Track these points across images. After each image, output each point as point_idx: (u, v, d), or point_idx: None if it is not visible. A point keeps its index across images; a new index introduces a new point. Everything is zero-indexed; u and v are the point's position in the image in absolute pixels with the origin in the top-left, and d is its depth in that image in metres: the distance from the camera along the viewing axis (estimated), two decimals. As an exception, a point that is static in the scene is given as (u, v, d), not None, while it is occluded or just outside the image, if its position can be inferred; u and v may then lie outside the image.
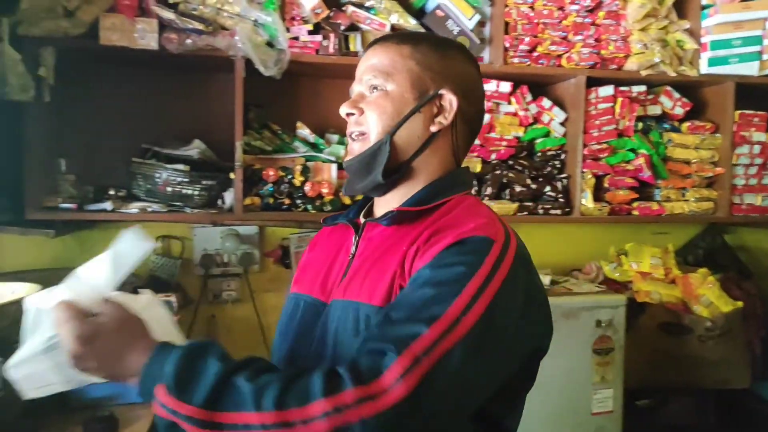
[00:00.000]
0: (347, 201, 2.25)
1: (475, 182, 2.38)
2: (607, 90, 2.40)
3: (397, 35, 1.13)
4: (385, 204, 1.11)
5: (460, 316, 0.86)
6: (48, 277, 1.94)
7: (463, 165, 1.16)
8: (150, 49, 2.00)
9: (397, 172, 1.07)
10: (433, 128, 1.08)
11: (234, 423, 0.82)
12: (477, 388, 0.91)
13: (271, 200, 2.22)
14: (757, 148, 2.55)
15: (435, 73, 1.07)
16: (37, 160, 2.02)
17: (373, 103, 1.06)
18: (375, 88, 1.07)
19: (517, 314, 0.94)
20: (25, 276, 1.87)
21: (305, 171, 2.25)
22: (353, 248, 1.10)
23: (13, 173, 1.98)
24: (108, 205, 2.05)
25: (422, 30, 2.30)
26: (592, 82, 2.40)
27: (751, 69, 2.46)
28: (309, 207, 2.24)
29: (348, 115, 1.09)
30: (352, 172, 1.10)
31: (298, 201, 2.24)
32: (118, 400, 1.42)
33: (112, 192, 2.12)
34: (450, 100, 1.07)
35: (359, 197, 1.23)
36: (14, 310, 1.24)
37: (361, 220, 1.15)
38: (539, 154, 2.45)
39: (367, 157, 1.06)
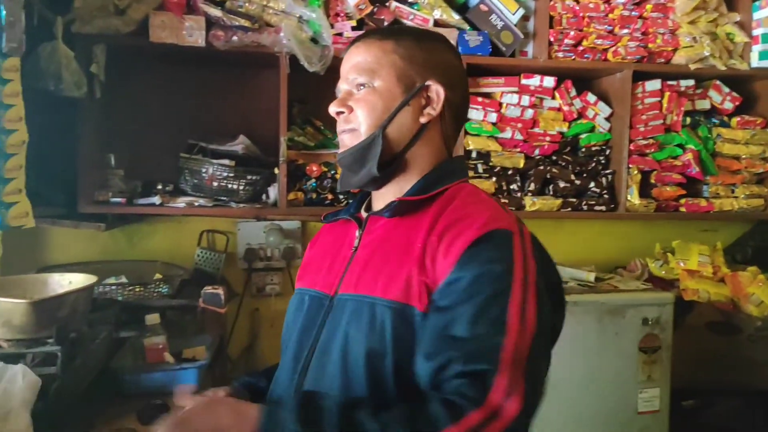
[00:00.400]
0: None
1: (518, 178, 2.37)
2: (655, 84, 2.36)
3: (379, 31, 1.15)
4: (381, 198, 1.13)
5: (523, 315, 0.91)
6: (99, 269, 2.00)
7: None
8: (197, 46, 2.03)
9: (391, 164, 1.08)
10: (423, 119, 1.10)
11: None
12: (545, 376, 0.97)
13: (314, 195, 2.23)
14: (809, 143, 2.48)
15: (419, 65, 1.09)
16: (89, 156, 2.07)
17: (362, 100, 1.07)
18: (362, 85, 1.08)
19: (548, 297, 0.98)
20: (77, 268, 1.93)
21: (348, 166, 2.26)
22: (356, 242, 1.10)
23: (68, 168, 2.04)
24: (156, 200, 2.09)
25: (465, 25, 2.30)
26: (639, 77, 2.36)
27: (804, 62, 2.39)
28: (351, 202, 2.24)
29: (338, 113, 1.10)
30: (346, 166, 1.11)
31: (341, 196, 2.25)
32: (168, 389, 1.45)
33: (160, 186, 2.16)
34: (437, 91, 1.09)
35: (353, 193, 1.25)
36: (73, 300, 1.27)
37: (363, 214, 1.16)
38: (583, 149, 2.42)
39: (360, 151, 1.07)
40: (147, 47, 2.04)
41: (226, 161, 2.13)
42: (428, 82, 1.09)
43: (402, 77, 1.08)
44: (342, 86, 1.13)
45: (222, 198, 2.16)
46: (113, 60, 2.01)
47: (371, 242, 1.08)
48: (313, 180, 2.23)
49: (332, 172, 2.24)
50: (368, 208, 1.18)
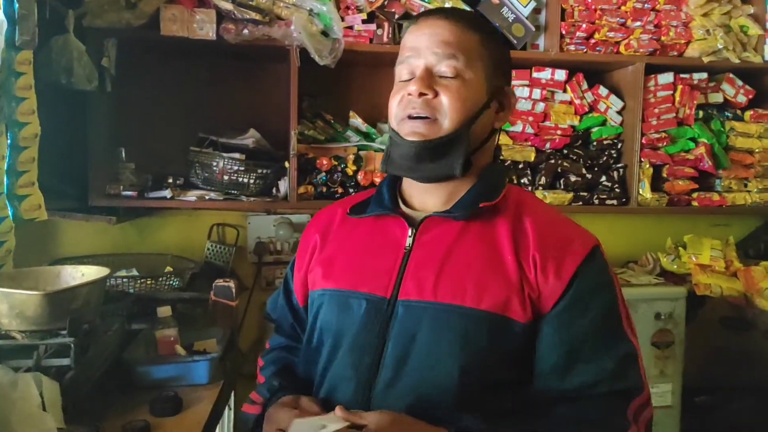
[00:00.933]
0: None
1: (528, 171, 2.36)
2: (667, 77, 2.34)
3: (463, 15, 1.07)
4: (425, 194, 1.07)
5: (630, 323, 1.01)
6: (110, 261, 2.01)
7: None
8: (208, 39, 2.03)
9: (466, 166, 1.02)
10: (497, 124, 1.08)
11: None
12: None
13: (324, 189, 2.23)
14: (823, 137, 2.46)
15: (502, 70, 1.08)
16: (100, 149, 2.08)
17: (454, 90, 1.00)
18: (451, 71, 1.00)
19: None
20: (89, 260, 1.94)
21: (358, 160, 2.26)
22: (409, 242, 1.04)
23: (79, 162, 2.04)
24: (167, 193, 2.10)
25: (476, 18, 2.28)
26: (651, 70, 2.34)
27: (819, 55, 2.36)
28: (377, 194, 2.24)
29: (420, 95, 1.00)
30: (414, 155, 1.01)
31: (351, 190, 2.25)
32: (182, 382, 1.45)
33: (170, 180, 2.16)
34: (510, 99, 1.09)
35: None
36: (86, 292, 1.27)
37: (407, 210, 1.09)
38: (595, 143, 2.40)
39: (442, 145, 1.00)
40: (158, 41, 2.04)
41: (236, 155, 2.13)
42: (507, 88, 1.09)
43: (489, 76, 1.04)
44: (415, 61, 1.03)
45: (232, 192, 2.16)
46: (124, 53, 2.01)
47: (431, 244, 1.03)
48: (323, 174, 2.23)
49: (342, 165, 2.23)
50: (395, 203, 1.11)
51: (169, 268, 2.03)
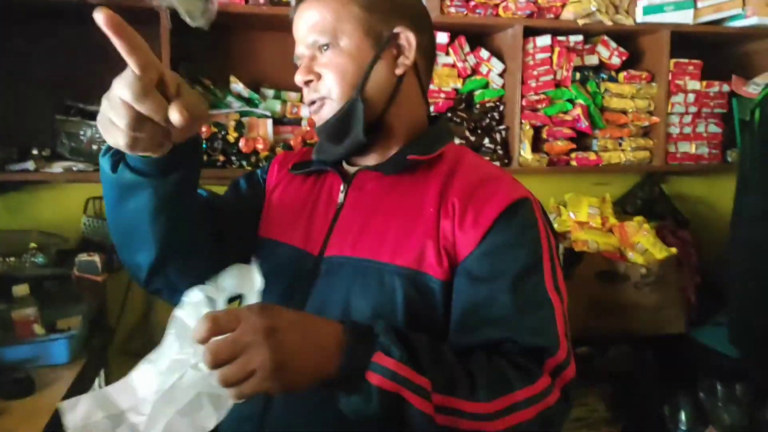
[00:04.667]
0: (283, 157, 2.21)
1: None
2: (545, 40, 2.39)
3: None
4: (363, 160, 1.07)
5: (556, 283, 0.95)
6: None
7: None
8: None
9: (376, 127, 1.02)
10: (398, 71, 1.03)
11: (449, 406, 0.82)
12: None
13: (204, 157, 2.16)
14: (691, 97, 2.58)
15: (383, 12, 1.01)
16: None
17: (330, 65, 0.99)
18: (325, 46, 0.99)
19: None
20: (-58, 240, 1.81)
21: (239, 127, 2.19)
22: (340, 197, 1.04)
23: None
24: (30, 165, 1.96)
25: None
26: (530, 32, 2.38)
27: (685, 17, 2.46)
28: (244, 163, 2.19)
29: (306, 83, 1.01)
30: (327, 137, 1.03)
31: (233, 157, 2.19)
32: (35, 363, 1.39)
33: (35, 151, 2.03)
34: (407, 37, 1.02)
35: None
36: None
37: (345, 166, 1.10)
38: (478, 105, 2.43)
39: (340, 120, 1.00)
40: (14, 1, 1.89)
41: (106, 123, 2.02)
42: (396, 29, 1.01)
43: (368, 30, 0.99)
44: (300, 50, 1.04)
45: (104, 162, 2.05)
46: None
47: (362, 199, 1.03)
48: (203, 141, 2.15)
49: (223, 132, 2.16)
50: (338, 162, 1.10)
51: (33, 245, 1.92)
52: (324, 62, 1.00)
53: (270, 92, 2.35)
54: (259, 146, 2.18)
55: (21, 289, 1.53)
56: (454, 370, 0.84)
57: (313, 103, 1.03)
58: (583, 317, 2.41)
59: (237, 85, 2.29)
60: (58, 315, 1.59)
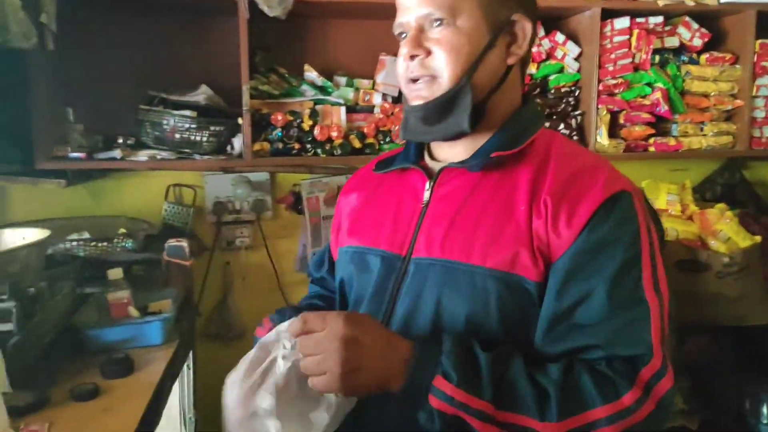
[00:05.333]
0: (357, 145, 2.23)
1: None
2: (623, 22, 2.32)
3: None
4: (448, 148, 1.03)
5: (656, 285, 0.88)
6: (61, 225, 1.97)
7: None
8: (152, -9, 1.95)
9: (478, 115, 0.96)
10: (510, 61, 0.97)
11: (516, 424, 0.82)
12: None
13: (280, 145, 2.19)
14: (777, 79, 2.47)
15: None
16: (44, 110, 2.01)
17: (445, 42, 0.93)
18: (438, 21, 0.93)
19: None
20: (38, 225, 1.88)
21: (314, 114, 2.22)
22: (426, 195, 1.01)
23: (22, 123, 1.97)
24: (117, 153, 2.04)
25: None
26: (607, 14, 2.31)
27: (773, -5, 2.36)
28: (318, 151, 2.21)
29: (411, 57, 0.96)
30: (422, 117, 0.98)
31: (308, 145, 2.22)
32: (135, 343, 1.43)
33: (120, 140, 2.10)
34: (523, 26, 0.97)
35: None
36: (24, 255, 1.24)
37: (430, 163, 1.06)
38: (553, 91, 2.38)
39: (444, 103, 0.95)
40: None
41: (187, 112, 2.07)
42: (515, 17, 0.96)
43: (487, 12, 0.94)
44: (406, 19, 0.97)
45: (185, 150, 2.11)
46: (67, 10, 1.92)
47: (448, 197, 0.99)
48: (279, 129, 2.18)
49: (298, 120, 2.19)
50: (419, 156, 1.08)
51: (122, 230, 1.99)
52: (436, 38, 0.95)
53: (343, 80, 2.36)
54: (333, 134, 2.20)
55: (115, 273, 1.59)
56: (523, 387, 0.83)
57: (415, 80, 0.97)
58: (661, 307, 2.35)
59: (311, 74, 2.31)
60: (150, 298, 1.65)
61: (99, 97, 2.22)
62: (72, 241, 1.80)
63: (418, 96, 0.98)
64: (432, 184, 1.01)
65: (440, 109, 0.96)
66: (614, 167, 0.97)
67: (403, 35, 0.99)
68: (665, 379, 0.84)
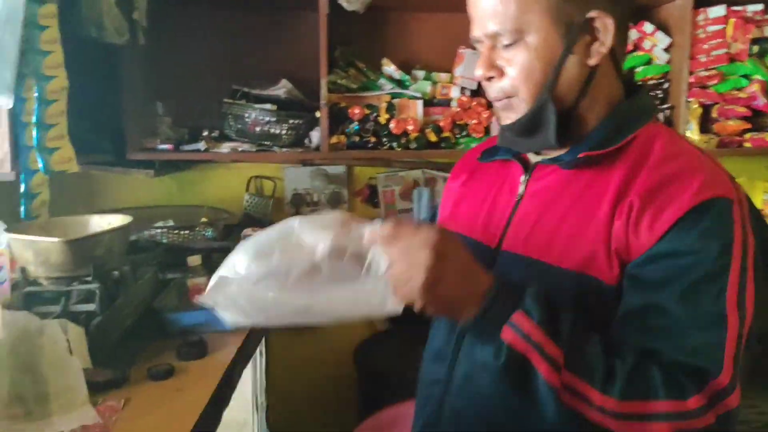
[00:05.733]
0: (433, 138, 2.22)
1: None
2: (718, 11, 2.19)
3: None
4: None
5: (741, 303, 0.82)
6: (148, 213, 2.06)
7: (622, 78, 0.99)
8: (236, -12, 2.01)
9: (567, 121, 0.94)
10: (592, 62, 0.92)
11: (576, 389, 0.80)
12: None
13: (356, 138, 2.21)
14: None
15: None
16: (135, 103, 2.11)
17: (515, 63, 0.91)
18: (508, 39, 0.90)
19: (764, 269, 0.89)
20: (127, 212, 1.98)
21: (390, 108, 2.22)
22: (521, 189, 1.01)
23: (114, 116, 2.08)
24: (201, 145, 2.12)
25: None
26: (701, 3, 2.19)
27: None
28: (394, 145, 2.22)
29: (488, 79, 0.96)
30: (515, 134, 0.99)
31: (384, 139, 2.22)
32: (208, 328, 1.48)
33: (205, 133, 2.18)
34: (604, 22, 0.90)
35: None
36: (108, 239, 1.31)
37: (530, 158, 1.05)
38: (640, 83, 2.28)
39: (530, 121, 0.94)
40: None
41: (268, 106, 2.13)
42: (591, 14, 0.89)
43: (558, 17, 0.89)
44: (477, 34, 0.95)
45: (265, 143, 2.16)
46: (156, 6, 2.01)
47: (540, 193, 0.98)
48: (356, 123, 2.20)
49: (375, 114, 2.20)
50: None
51: (204, 219, 2.07)
52: (507, 57, 0.93)
53: (420, 74, 2.35)
54: (410, 127, 2.20)
55: (194, 260, 1.65)
56: (594, 357, 0.81)
57: (497, 101, 0.98)
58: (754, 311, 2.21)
59: (389, 67, 2.31)
60: (226, 285, 1.69)
61: (185, 90, 2.31)
62: (156, 228, 1.88)
63: (505, 116, 0.99)
64: (527, 177, 1.02)
65: (526, 128, 0.96)
66: (719, 170, 0.89)
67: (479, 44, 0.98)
68: (731, 398, 0.80)
